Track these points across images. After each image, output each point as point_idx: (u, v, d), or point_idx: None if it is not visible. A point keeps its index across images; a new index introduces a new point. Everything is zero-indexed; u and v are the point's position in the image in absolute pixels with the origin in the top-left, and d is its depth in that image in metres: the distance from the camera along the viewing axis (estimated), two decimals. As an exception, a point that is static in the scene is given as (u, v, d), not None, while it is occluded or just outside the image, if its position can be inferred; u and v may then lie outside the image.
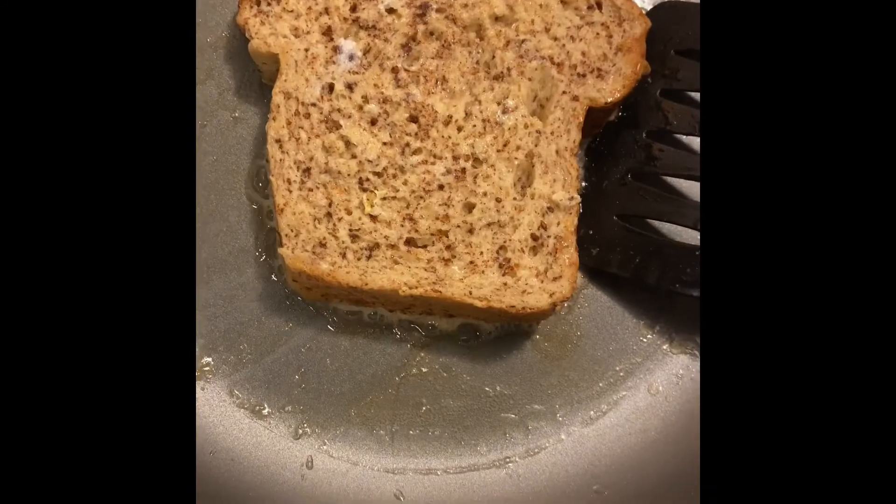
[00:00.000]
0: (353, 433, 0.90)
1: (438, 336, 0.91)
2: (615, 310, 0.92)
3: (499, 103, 0.85)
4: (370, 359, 0.91)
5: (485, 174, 0.84)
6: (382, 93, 0.85)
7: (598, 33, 0.86)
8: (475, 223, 0.83)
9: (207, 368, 0.91)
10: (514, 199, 0.84)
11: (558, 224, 0.83)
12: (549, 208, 0.84)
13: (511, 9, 0.86)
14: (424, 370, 0.91)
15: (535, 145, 0.84)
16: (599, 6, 0.87)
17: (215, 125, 0.95)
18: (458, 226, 0.83)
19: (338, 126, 0.85)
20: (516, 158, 0.84)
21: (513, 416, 0.90)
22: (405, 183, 0.84)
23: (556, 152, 0.84)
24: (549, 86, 0.85)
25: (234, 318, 0.92)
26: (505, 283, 0.82)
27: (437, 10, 0.86)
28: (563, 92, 0.85)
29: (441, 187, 0.84)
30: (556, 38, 0.86)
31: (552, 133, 0.84)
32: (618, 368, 0.91)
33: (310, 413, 0.90)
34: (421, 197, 0.84)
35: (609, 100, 0.85)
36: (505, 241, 0.83)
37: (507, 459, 0.89)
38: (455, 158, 0.84)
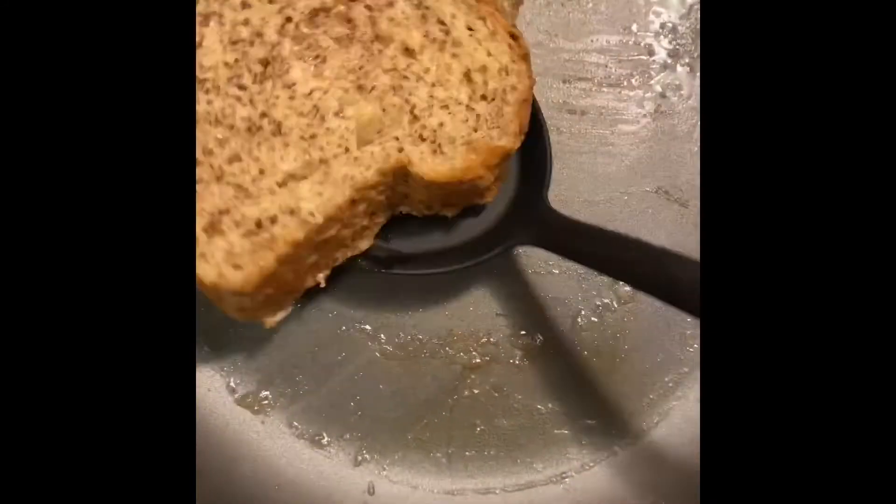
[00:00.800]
0: (410, 457, 0.92)
1: (489, 357, 0.93)
2: (660, 322, 0.94)
3: (336, 113, 0.81)
4: (422, 383, 0.93)
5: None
6: (260, 33, 0.82)
7: (466, 120, 0.81)
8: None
9: (266, 402, 0.93)
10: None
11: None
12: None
13: (421, 51, 0.83)
14: (476, 391, 0.93)
15: None
16: (490, 102, 0.82)
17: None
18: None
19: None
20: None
21: (566, 432, 0.92)
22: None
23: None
24: (390, 123, 0.82)
25: (289, 351, 0.94)
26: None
27: (366, 6, 0.84)
28: (395, 137, 0.81)
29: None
30: (431, 96, 0.82)
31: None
32: (666, 379, 0.93)
33: (367, 440, 0.92)
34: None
35: (425, 174, 0.80)
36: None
37: (564, 475, 0.91)
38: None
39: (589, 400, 0.92)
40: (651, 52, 0.99)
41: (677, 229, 0.95)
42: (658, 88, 0.98)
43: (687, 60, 0.98)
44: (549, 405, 0.92)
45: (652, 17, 1.01)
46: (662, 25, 1.00)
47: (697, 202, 0.96)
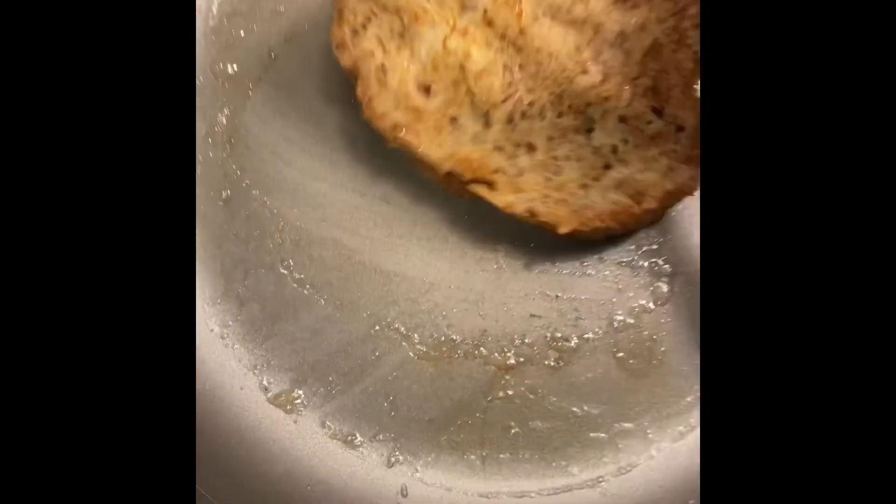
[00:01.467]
0: (444, 459, 0.91)
1: (524, 359, 0.92)
2: (697, 324, 0.92)
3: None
4: (456, 384, 0.92)
5: None
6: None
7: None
8: None
9: (299, 401, 0.93)
10: None
11: None
12: None
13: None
14: (511, 393, 0.92)
15: None
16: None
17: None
18: None
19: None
20: None
21: (602, 435, 0.90)
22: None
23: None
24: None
25: (321, 350, 0.94)
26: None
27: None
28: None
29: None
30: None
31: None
32: (705, 382, 0.91)
33: (401, 441, 0.91)
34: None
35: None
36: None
37: (600, 479, 0.90)
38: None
39: (625, 403, 0.91)
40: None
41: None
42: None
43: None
44: (585, 408, 0.91)
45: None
46: None
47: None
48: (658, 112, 0.85)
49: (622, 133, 0.86)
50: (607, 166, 0.87)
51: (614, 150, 0.86)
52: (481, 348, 0.93)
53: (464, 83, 0.86)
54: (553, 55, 0.86)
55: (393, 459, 0.91)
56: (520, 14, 0.85)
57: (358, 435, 0.92)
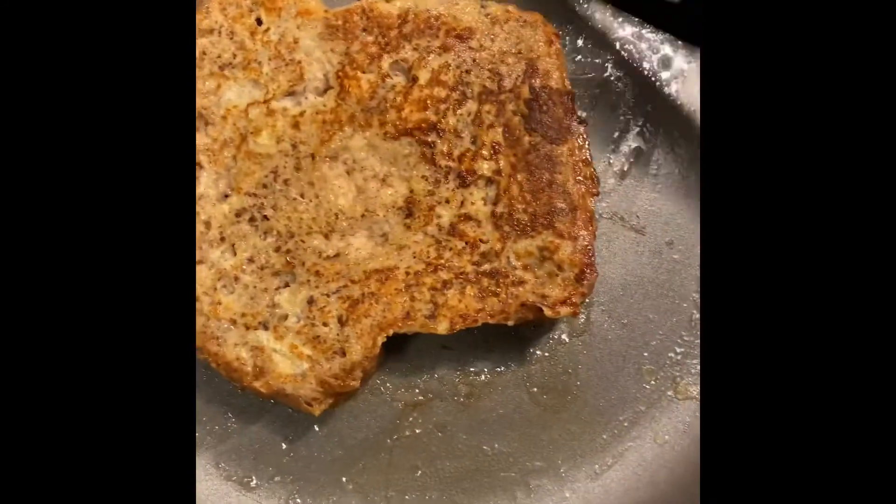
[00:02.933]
0: (346, 502, 0.86)
1: (433, 394, 0.87)
2: (615, 356, 0.88)
3: None
4: (360, 422, 0.87)
5: None
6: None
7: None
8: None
9: (191, 441, 0.87)
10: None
11: None
12: None
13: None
14: (418, 431, 0.87)
15: None
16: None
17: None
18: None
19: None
20: None
21: (513, 474, 0.86)
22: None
23: None
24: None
25: (216, 387, 0.88)
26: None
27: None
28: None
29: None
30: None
31: None
32: (621, 418, 0.87)
33: (300, 483, 0.86)
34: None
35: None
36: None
37: (511, 522, 0.85)
38: None
39: (538, 440, 0.87)
40: (606, 81, 0.93)
41: (634, 258, 0.90)
42: (615, 104, 0.93)
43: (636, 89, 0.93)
44: (496, 445, 0.86)
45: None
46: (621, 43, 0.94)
47: (654, 228, 0.90)
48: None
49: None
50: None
51: None
52: (387, 384, 0.88)
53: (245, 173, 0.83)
54: (323, 203, 0.82)
55: (292, 502, 0.86)
56: (325, 142, 0.82)
57: (254, 477, 0.87)
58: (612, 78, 0.93)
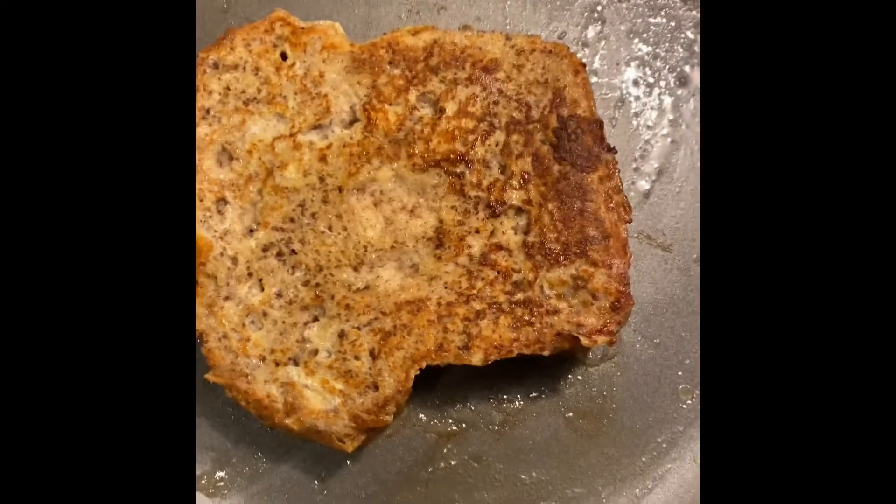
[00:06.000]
0: (384, 538, 0.84)
1: (466, 424, 0.86)
2: (649, 377, 0.88)
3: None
4: (394, 456, 0.86)
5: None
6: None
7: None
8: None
9: (222, 483, 0.87)
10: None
11: None
12: None
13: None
14: (454, 462, 0.86)
15: None
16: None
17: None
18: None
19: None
20: None
21: (553, 502, 0.86)
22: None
23: None
24: None
25: (246, 427, 0.88)
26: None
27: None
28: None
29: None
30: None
31: None
32: (660, 440, 0.86)
33: None
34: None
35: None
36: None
37: (553, 551, 0.83)
38: None
39: (576, 466, 0.87)
40: (624, 101, 0.94)
41: (662, 276, 0.89)
42: (634, 124, 0.93)
43: (663, 92, 0.93)
44: (533, 474, 0.86)
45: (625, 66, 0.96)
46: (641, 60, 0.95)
47: (681, 246, 0.90)
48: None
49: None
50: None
51: None
52: (420, 414, 0.87)
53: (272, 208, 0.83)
54: (351, 236, 0.82)
55: (327, 543, 0.84)
56: (352, 174, 0.83)
57: (288, 518, 0.85)
58: (630, 97, 0.93)
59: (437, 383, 0.88)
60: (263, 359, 0.80)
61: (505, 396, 0.88)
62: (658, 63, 0.95)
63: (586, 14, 0.95)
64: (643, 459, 0.87)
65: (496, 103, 0.84)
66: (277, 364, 0.80)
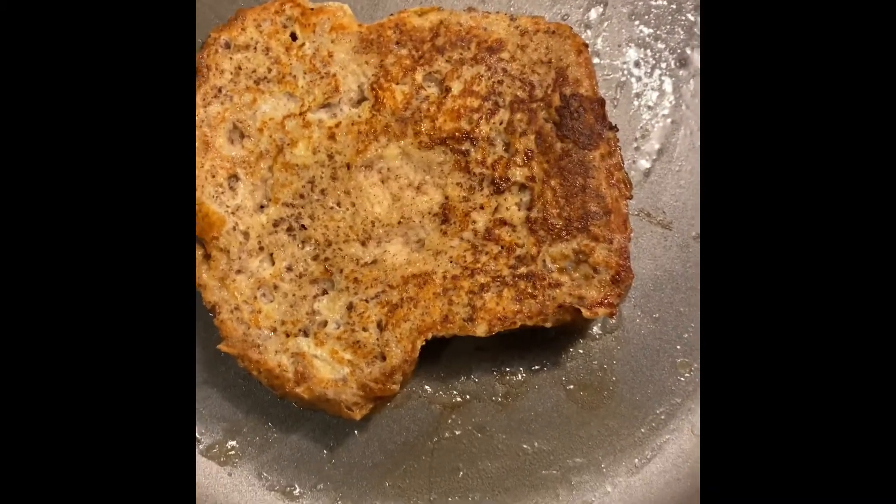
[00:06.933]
0: (390, 506, 0.87)
1: (470, 396, 0.88)
2: (649, 351, 0.91)
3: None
4: (400, 426, 0.89)
5: None
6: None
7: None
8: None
9: (233, 452, 0.89)
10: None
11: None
12: None
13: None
14: (458, 433, 0.88)
15: None
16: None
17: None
18: None
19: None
20: None
21: (555, 472, 0.88)
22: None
23: None
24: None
25: (256, 398, 0.91)
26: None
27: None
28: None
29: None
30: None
31: None
32: (658, 411, 0.89)
33: (343, 489, 0.89)
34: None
35: None
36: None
37: (554, 518, 0.86)
38: None
39: (577, 437, 0.89)
40: (626, 83, 0.96)
41: (662, 253, 0.92)
42: (636, 105, 0.95)
43: (665, 74, 0.95)
44: (536, 444, 0.88)
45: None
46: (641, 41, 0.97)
47: (681, 223, 0.92)
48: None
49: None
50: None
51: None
52: (425, 386, 0.90)
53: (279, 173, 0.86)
54: (359, 212, 0.85)
55: (336, 509, 0.87)
56: (360, 151, 0.85)
57: (297, 485, 0.89)
58: (631, 79, 0.96)
59: (441, 356, 0.91)
60: (274, 330, 0.82)
61: (508, 369, 0.91)
62: (659, 45, 0.97)
63: (589, -4, 0.98)
64: (642, 430, 0.90)
65: (500, 82, 0.86)
66: (288, 335, 0.82)
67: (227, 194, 0.85)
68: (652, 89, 0.96)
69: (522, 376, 0.91)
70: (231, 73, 0.88)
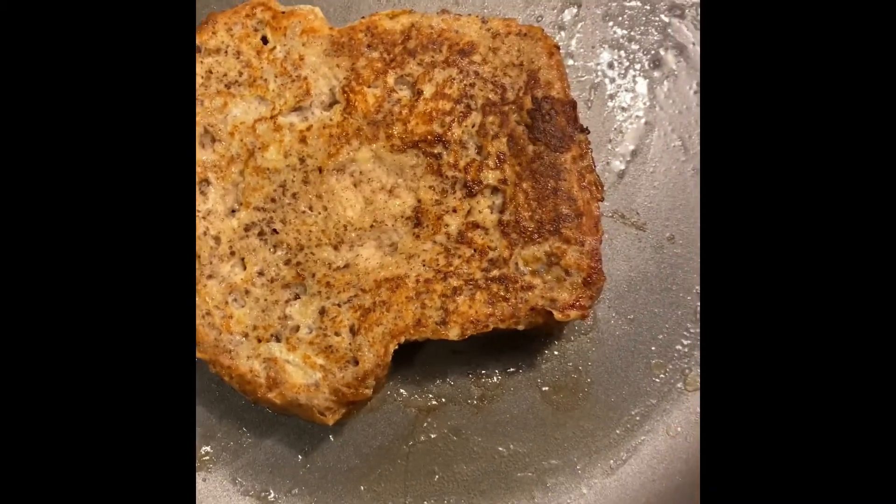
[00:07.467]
0: (365, 510, 0.87)
1: (446, 399, 0.88)
2: (623, 352, 0.91)
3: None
4: (375, 430, 0.89)
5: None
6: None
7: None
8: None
9: (207, 458, 0.89)
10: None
11: None
12: None
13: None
14: (433, 436, 0.89)
15: None
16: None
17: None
18: None
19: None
20: None
21: (530, 474, 0.88)
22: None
23: None
24: None
25: (230, 403, 0.91)
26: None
27: None
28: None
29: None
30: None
31: None
32: (633, 412, 0.89)
33: (318, 494, 0.89)
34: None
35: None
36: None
37: (529, 520, 0.86)
38: None
39: (552, 439, 0.90)
40: (600, 84, 0.96)
41: (636, 254, 0.92)
42: (610, 106, 0.95)
43: (638, 74, 0.96)
44: (511, 446, 0.88)
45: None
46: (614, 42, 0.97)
47: (655, 225, 0.93)
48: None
49: None
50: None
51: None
52: (400, 390, 0.90)
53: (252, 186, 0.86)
54: (332, 215, 0.85)
55: (311, 514, 0.87)
56: (332, 155, 0.85)
57: (272, 490, 0.89)
58: (605, 80, 0.96)
59: (416, 360, 0.91)
60: (246, 335, 0.82)
61: (483, 372, 0.91)
62: (633, 46, 0.97)
63: (563, -2, 0.98)
64: (617, 432, 0.90)
65: (472, 85, 0.86)
66: (260, 340, 0.82)
67: (198, 199, 0.85)
68: (626, 90, 0.96)
69: (498, 379, 0.91)
70: (202, 77, 0.87)
